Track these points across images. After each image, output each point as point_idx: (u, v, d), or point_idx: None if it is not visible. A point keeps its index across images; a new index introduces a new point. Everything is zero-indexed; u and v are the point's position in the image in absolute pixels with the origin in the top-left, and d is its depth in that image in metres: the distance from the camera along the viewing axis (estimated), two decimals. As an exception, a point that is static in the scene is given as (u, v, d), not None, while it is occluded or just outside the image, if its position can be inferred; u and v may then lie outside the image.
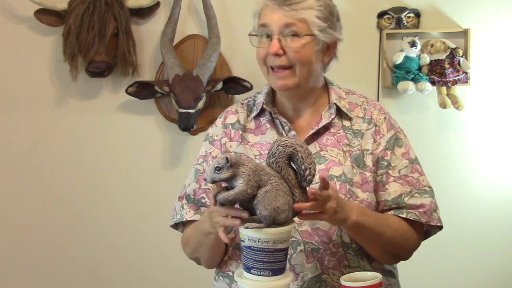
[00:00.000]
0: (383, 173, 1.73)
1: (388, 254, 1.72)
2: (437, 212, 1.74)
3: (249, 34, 1.74)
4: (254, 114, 1.80)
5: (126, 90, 2.87)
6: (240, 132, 1.80)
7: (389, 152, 1.75)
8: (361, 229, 1.62)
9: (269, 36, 1.69)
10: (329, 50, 1.75)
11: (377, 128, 1.77)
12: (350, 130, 1.76)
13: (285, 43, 1.67)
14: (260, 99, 1.81)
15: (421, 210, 1.71)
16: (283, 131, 1.77)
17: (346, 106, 1.78)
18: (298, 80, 1.71)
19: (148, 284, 3.04)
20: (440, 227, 1.75)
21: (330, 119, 1.75)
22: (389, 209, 1.72)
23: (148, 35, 2.96)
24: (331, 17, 1.71)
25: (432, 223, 1.72)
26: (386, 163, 1.74)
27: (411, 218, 1.70)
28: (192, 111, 2.80)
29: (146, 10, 2.91)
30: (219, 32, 2.85)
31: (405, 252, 1.75)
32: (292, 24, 1.66)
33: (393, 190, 1.72)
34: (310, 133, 1.74)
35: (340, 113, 1.78)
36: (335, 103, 1.77)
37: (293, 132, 1.75)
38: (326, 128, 1.76)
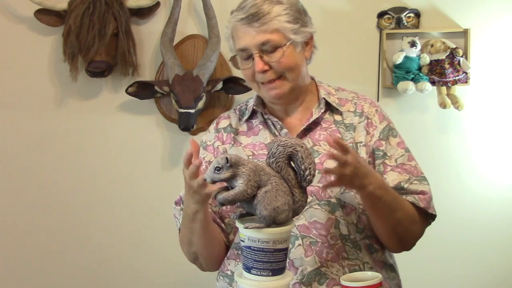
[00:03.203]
0: (380, 163, 1.76)
1: (395, 236, 1.72)
2: (432, 201, 1.77)
3: (230, 60, 1.77)
4: (246, 117, 1.84)
5: (126, 90, 2.87)
6: (232, 135, 1.83)
7: (383, 142, 1.77)
8: (376, 201, 1.64)
9: (250, 56, 1.71)
10: (308, 45, 1.78)
11: (369, 120, 1.80)
12: (342, 124, 1.79)
13: (268, 58, 1.70)
14: (251, 102, 1.84)
15: (421, 196, 1.73)
16: (275, 130, 1.80)
17: (335, 101, 1.82)
18: (291, 86, 1.74)
19: (148, 284, 3.04)
20: (434, 216, 1.77)
21: (320, 113, 1.78)
22: None
23: (148, 35, 2.96)
24: (299, 15, 1.74)
25: (429, 211, 1.74)
26: (381, 153, 1.76)
27: (410, 200, 1.72)
28: (192, 111, 2.80)
29: (146, 10, 2.91)
30: (219, 32, 2.85)
31: (411, 237, 1.76)
32: (267, 41, 1.68)
33: (391, 179, 1.74)
34: (301, 129, 1.77)
35: (331, 109, 1.81)
36: (324, 98, 1.80)
37: (285, 130, 1.78)
38: (318, 123, 1.79)
